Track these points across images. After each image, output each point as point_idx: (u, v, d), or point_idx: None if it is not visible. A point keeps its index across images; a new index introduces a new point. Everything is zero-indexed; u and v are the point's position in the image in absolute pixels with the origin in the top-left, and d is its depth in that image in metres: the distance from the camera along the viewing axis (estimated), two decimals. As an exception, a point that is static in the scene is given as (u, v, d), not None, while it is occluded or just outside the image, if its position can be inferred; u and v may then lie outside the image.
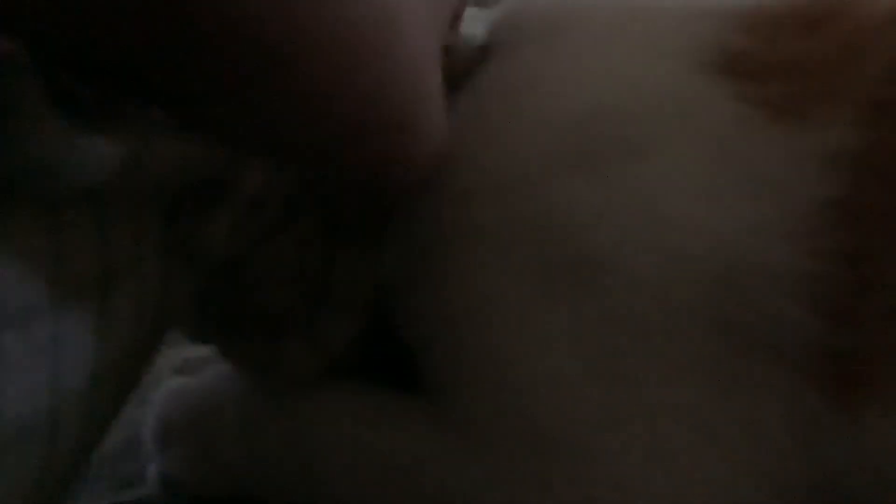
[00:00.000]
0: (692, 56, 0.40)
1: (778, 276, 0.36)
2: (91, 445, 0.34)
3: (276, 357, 0.44)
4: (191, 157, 0.31)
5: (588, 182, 0.40)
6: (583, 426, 0.39)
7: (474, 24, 0.47)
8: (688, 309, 0.37)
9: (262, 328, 0.43)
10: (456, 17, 0.44)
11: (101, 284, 0.31)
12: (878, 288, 0.36)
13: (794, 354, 0.36)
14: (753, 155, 0.38)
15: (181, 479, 0.47)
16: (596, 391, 0.39)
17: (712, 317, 0.37)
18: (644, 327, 0.38)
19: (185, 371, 0.53)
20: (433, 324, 0.43)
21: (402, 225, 0.44)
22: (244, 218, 0.36)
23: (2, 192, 0.28)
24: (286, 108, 0.32)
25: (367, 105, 0.35)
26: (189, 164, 0.32)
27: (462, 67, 0.45)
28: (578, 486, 0.39)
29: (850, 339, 0.36)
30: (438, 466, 0.41)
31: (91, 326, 0.31)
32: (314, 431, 0.44)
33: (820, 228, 0.36)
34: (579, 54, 0.43)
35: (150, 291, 0.34)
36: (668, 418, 0.38)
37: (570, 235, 0.39)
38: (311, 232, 0.42)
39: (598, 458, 0.39)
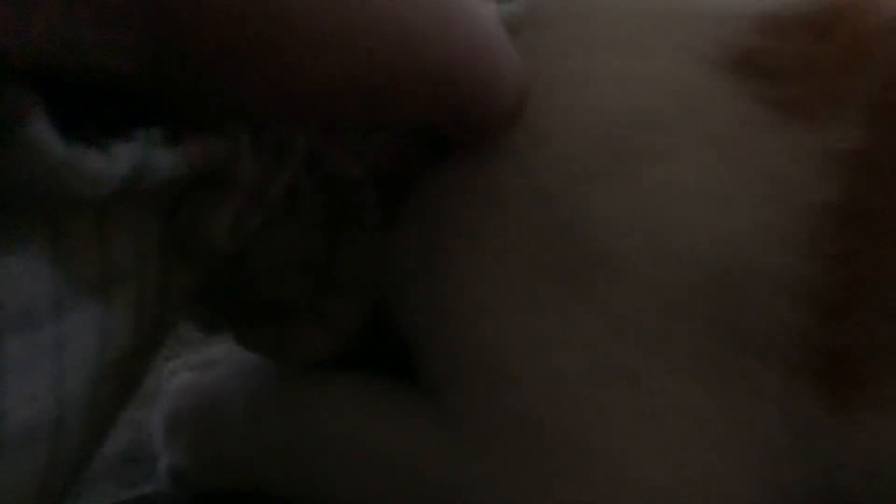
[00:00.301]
0: (710, 56, 0.40)
1: (776, 277, 0.37)
2: (94, 446, 0.34)
3: (288, 341, 0.44)
4: (192, 159, 0.32)
5: (602, 185, 0.40)
6: (583, 424, 0.39)
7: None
8: (689, 309, 0.38)
9: (272, 315, 0.44)
10: None
11: (102, 287, 0.31)
12: (872, 290, 0.36)
13: (791, 355, 0.37)
14: (761, 157, 0.38)
15: (189, 472, 0.47)
16: (597, 390, 0.39)
17: (712, 317, 0.38)
18: (645, 327, 0.38)
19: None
20: (436, 321, 0.43)
21: (408, 221, 0.44)
22: (245, 212, 0.36)
23: (2, 199, 0.28)
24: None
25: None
26: (190, 165, 0.32)
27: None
28: (578, 484, 0.39)
29: (846, 341, 0.36)
30: (438, 465, 0.41)
31: (93, 329, 0.31)
32: (317, 428, 0.45)
33: (818, 231, 0.36)
34: (602, 55, 0.43)
35: (152, 292, 0.34)
36: (668, 417, 0.38)
37: (576, 237, 0.40)
38: (313, 220, 0.42)
39: (598, 457, 0.39)
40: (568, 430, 0.39)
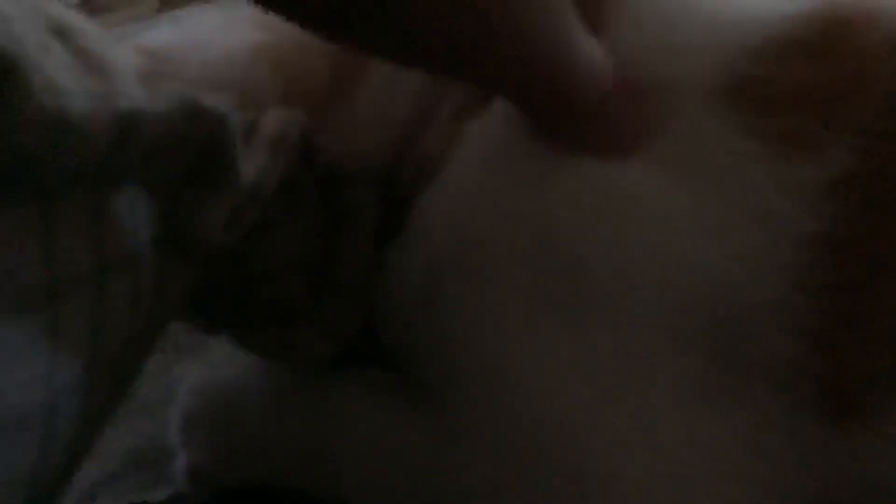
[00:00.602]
0: (706, 86, 0.39)
1: (771, 309, 0.37)
2: (88, 440, 0.34)
3: (287, 344, 0.44)
4: (180, 136, 0.32)
5: (604, 215, 0.40)
6: (582, 427, 0.39)
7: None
8: (690, 336, 0.38)
9: (272, 317, 0.44)
10: None
11: (97, 277, 0.31)
12: (866, 320, 0.36)
13: (791, 384, 0.37)
14: (755, 189, 0.38)
15: (206, 470, 0.48)
16: (597, 395, 0.39)
17: (709, 343, 0.38)
18: (648, 346, 0.38)
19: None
20: (433, 332, 0.43)
21: (411, 230, 0.44)
22: (242, 208, 0.36)
23: None
24: None
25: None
26: (179, 142, 0.32)
27: None
28: (577, 495, 0.39)
29: (841, 370, 0.36)
30: (437, 466, 0.41)
31: (86, 319, 0.31)
32: (322, 424, 0.45)
33: (811, 260, 0.36)
34: None
35: (146, 284, 0.34)
36: (670, 421, 0.38)
37: (578, 259, 0.40)
38: (312, 221, 0.42)
39: (598, 458, 0.38)
40: (567, 433, 0.39)
